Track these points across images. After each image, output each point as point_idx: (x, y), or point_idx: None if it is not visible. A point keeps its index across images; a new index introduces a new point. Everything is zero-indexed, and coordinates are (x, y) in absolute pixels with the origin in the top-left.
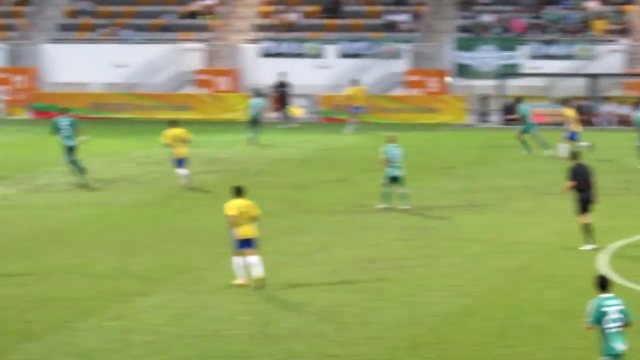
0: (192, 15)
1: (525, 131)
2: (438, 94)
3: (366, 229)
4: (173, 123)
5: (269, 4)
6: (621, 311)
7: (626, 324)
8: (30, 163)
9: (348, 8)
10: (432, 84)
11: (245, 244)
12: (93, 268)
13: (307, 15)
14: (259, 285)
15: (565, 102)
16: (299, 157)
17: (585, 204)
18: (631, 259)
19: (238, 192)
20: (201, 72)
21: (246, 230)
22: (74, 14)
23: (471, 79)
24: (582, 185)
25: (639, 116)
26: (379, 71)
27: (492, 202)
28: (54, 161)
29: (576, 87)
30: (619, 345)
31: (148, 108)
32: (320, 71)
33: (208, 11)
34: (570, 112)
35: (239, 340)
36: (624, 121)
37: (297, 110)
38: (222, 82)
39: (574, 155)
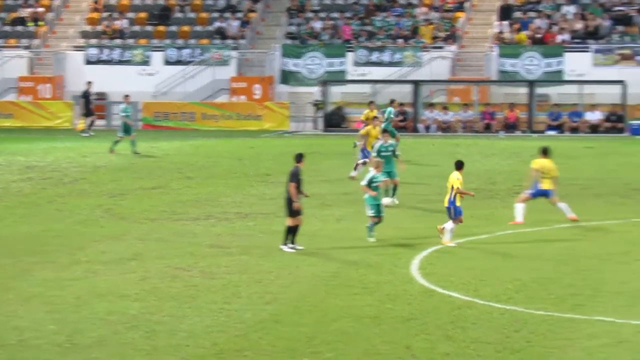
0: (22, 21)
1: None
2: (262, 100)
3: (180, 236)
4: None
5: (97, 11)
6: None
7: None
8: None
9: (177, 15)
10: (257, 91)
11: None
12: None
13: (136, 22)
14: None
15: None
16: (118, 165)
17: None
18: (441, 265)
19: None
20: (24, 79)
21: None
22: None
23: (296, 86)
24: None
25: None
26: (205, 78)
27: (309, 209)
28: None
29: (401, 93)
30: None
31: None
32: (146, 78)
33: (36, 18)
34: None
35: (45, 349)
36: (447, 128)
37: (81, 124)
38: (45, 90)
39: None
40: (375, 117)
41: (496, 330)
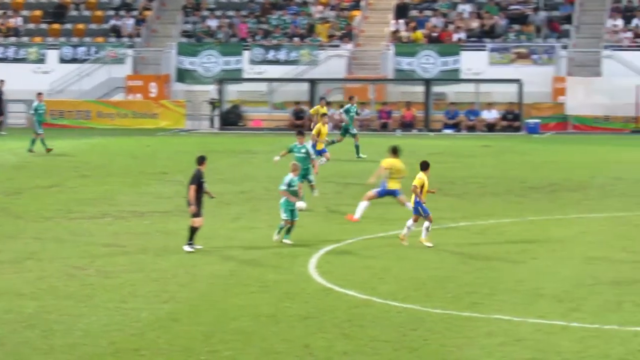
0: None
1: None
2: (158, 99)
3: (76, 235)
4: None
5: None
6: None
7: None
8: None
9: (72, 13)
10: (153, 89)
11: None
12: None
13: (31, 20)
14: None
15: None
16: (13, 163)
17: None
18: (339, 263)
19: None
20: None
21: None
22: None
23: (192, 84)
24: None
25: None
26: (100, 76)
27: (206, 207)
28: None
29: (298, 92)
30: None
31: None
32: (41, 76)
33: None
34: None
35: None
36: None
37: None
38: None
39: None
40: (324, 114)
41: (393, 328)
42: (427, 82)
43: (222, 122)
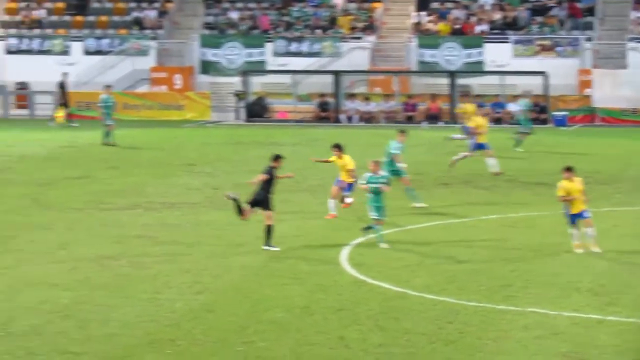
0: None
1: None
2: (183, 91)
3: (108, 226)
4: None
5: (15, 0)
6: None
7: None
8: None
9: (95, 5)
10: (178, 81)
11: None
12: None
13: (54, 12)
14: None
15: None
16: (44, 154)
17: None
18: (372, 255)
19: None
20: None
21: None
22: None
23: (216, 76)
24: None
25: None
26: (124, 68)
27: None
28: None
29: (322, 84)
30: None
31: None
32: (66, 68)
33: None
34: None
35: None
36: (369, 118)
37: (59, 115)
38: None
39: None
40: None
41: (429, 321)
42: (452, 74)
43: (247, 114)
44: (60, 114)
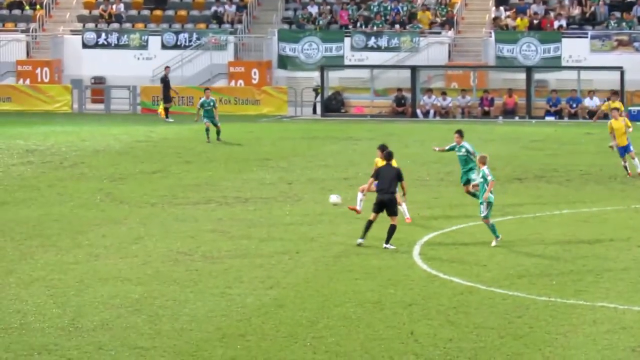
0: (19, 5)
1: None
2: (260, 85)
3: (181, 221)
4: None
5: None
6: None
7: None
8: None
9: None
10: (255, 75)
11: None
12: None
13: (132, 6)
14: None
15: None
16: (117, 149)
17: (379, 205)
18: (443, 250)
19: None
20: (22, 63)
21: None
22: None
23: (293, 71)
24: (382, 185)
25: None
26: (202, 62)
27: (309, 194)
28: None
29: (399, 79)
30: None
31: None
32: (143, 62)
33: (33, 2)
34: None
35: (48, 333)
36: (445, 113)
37: (161, 109)
38: (43, 74)
39: (389, 155)
40: (615, 109)
41: (499, 315)
42: (529, 70)
43: (324, 109)
44: (160, 108)
